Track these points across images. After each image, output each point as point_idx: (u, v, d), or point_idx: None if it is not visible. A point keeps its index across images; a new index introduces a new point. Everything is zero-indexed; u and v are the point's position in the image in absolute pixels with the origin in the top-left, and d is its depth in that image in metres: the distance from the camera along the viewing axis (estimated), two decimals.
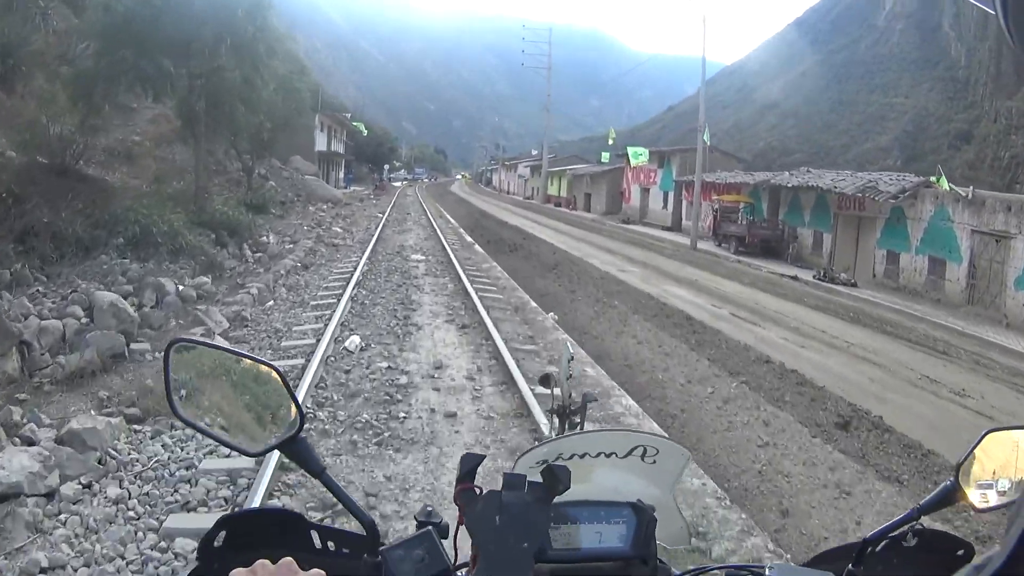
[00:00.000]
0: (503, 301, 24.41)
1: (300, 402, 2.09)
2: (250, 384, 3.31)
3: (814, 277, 40.05)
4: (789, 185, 50.96)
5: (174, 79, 32.06)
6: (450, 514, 1.97)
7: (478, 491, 1.97)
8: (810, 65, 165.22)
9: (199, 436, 9.01)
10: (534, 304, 24.37)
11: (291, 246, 35.14)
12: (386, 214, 62.03)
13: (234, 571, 1.58)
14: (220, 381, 2.58)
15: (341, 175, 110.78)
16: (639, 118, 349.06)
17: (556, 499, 2.01)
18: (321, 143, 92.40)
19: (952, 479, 2.23)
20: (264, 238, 34.62)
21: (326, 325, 18.35)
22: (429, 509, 2.04)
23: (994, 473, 2.28)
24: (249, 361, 2.35)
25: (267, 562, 1.62)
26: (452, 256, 33.80)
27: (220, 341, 16.16)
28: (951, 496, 2.24)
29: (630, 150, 76.42)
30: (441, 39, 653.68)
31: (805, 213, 50.06)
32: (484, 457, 2.07)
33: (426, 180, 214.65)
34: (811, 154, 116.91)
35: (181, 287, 21.80)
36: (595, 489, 2.24)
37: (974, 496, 2.24)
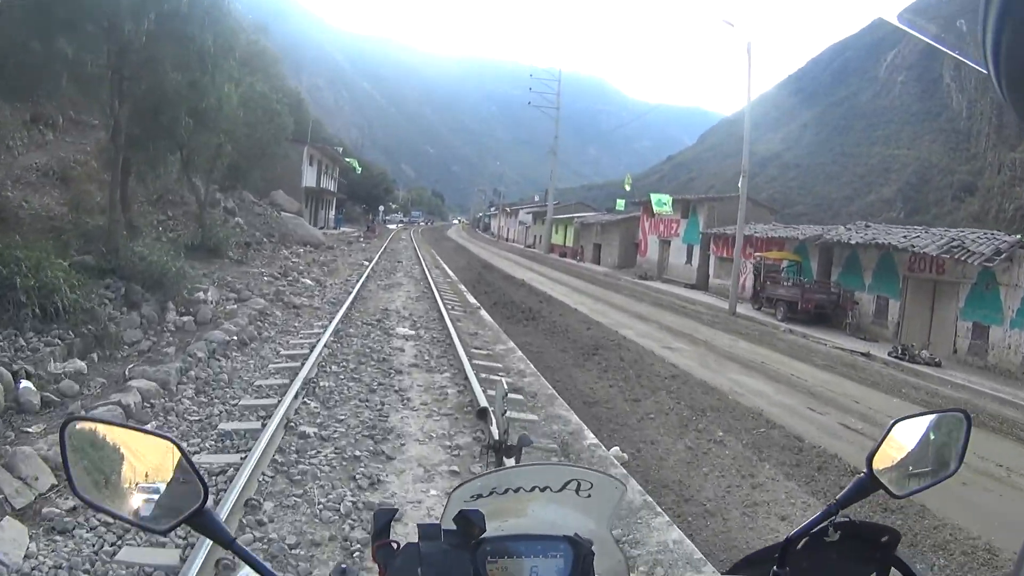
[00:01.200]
0: (540, 426, 14.67)
1: (201, 475, 2.03)
2: (150, 459, 2.09)
3: (890, 355, 33.14)
4: (850, 241, 42.56)
5: (89, 74, 23.70)
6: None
7: (395, 546, 1.97)
8: (811, 117, 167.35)
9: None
10: (589, 435, 14.46)
11: (235, 306, 26.02)
12: (373, 262, 53.39)
13: None
14: (120, 458, 2.08)
15: (331, 215, 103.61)
16: (637, 168, 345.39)
17: (492, 533, 2.04)
18: (310, 178, 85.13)
19: (866, 471, 2.28)
20: (202, 294, 25.52)
21: (217, 502, 9.48)
22: (343, 567, 2.07)
23: (907, 460, 2.39)
24: (148, 435, 2.11)
25: None
26: (452, 329, 24.66)
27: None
28: (867, 487, 2.29)
29: (653, 197, 68.34)
30: (443, 84, 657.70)
31: (865, 275, 42.59)
32: (396, 510, 2.20)
33: (422, 223, 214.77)
34: (814, 205, 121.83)
35: (39, 374, 14.56)
36: (532, 523, 2.21)
37: (891, 484, 2.30)
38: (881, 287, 41.35)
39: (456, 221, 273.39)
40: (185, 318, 22.56)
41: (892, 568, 2.41)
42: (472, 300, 36.64)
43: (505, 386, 6.90)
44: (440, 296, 34.50)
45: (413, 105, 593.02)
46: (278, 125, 47.79)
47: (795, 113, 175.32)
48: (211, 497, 3.78)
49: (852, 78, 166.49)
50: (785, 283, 46.27)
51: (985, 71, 1.05)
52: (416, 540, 1.97)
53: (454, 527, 1.97)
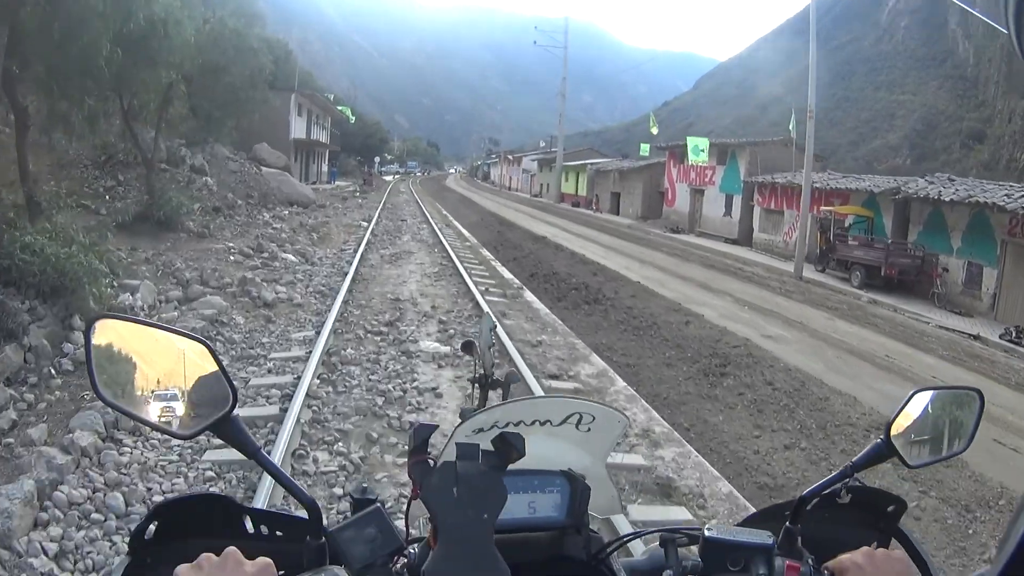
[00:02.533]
0: None
1: (230, 379, 1.92)
2: (180, 361, 2.00)
3: (1002, 337, 27.63)
4: (939, 197, 35.85)
5: None
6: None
7: (432, 463, 1.94)
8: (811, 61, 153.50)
9: None
10: None
11: (176, 312, 17.52)
12: (373, 222, 45.39)
13: (179, 568, 1.57)
14: (147, 358, 2.00)
15: (324, 168, 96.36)
16: (633, 114, 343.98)
17: None
18: (299, 130, 76.76)
19: (883, 438, 2.26)
20: (129, 295, 17.24)
21: None
22: (364, 486, 2.02)
23: (923, 431, 2.36)
24: (178, 336, 1.99)
25: (211, 555, 1.60)
26: (507, 342, 16.43)
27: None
28: (883, 454, 2.26)
29: (690, 142, 59.44)
30: (435, 34, 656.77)
31: (952, 236, 36.28)
32: (437, 427, 2.07)
33: (419, 174, 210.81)
34: (818, 151, 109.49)
35: None
36: (528, 458, 2.07)
37: (905, 453, 2.28)
38: (973, 252, 35.06)
39: (453, 170, 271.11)
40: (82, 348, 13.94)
41: (893, 538, 2.37)
42: (505, 273, 29.17)
43: (492, 319, 3.62)
44: (465, 269, 27.07)
45: (406, 56, 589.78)
46: (254, 66, 40.04)
47: (796, 57, 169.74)
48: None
49: (854, 23, 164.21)
50: (851, 242, 40.11)
51: (1004, 29, 0.97)
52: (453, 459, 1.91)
53: (492, 448, 1.93)
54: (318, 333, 15.72)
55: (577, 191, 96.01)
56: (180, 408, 1.87)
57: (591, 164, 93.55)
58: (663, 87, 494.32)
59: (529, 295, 23.98)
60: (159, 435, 10.78)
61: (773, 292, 33.98)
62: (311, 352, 14.13)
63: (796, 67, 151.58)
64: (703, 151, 57.64)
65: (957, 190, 35.84)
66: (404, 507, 2.25)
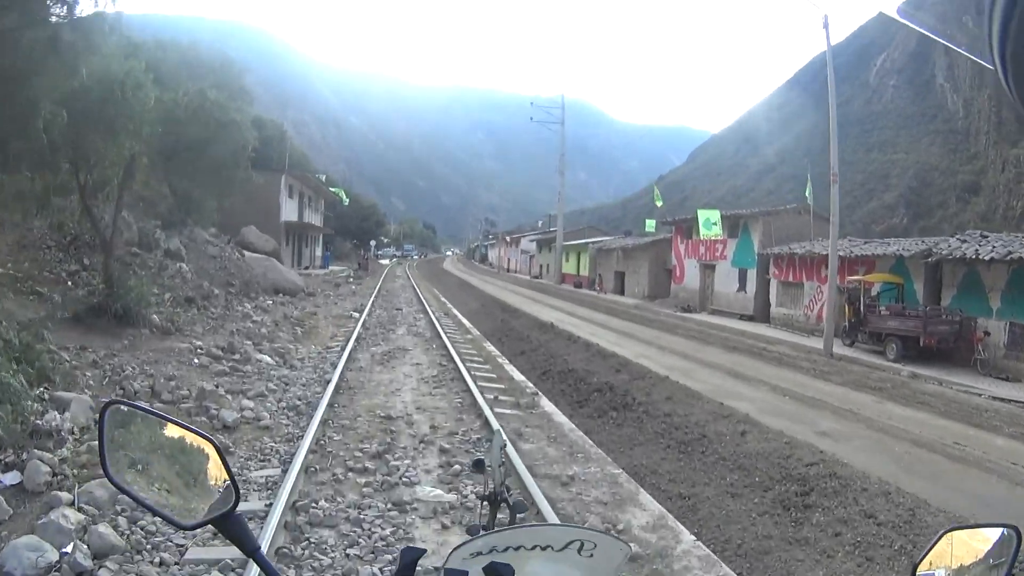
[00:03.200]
0: None
1: (235, 480, 2.04)
2: (187, 455, 2.21)
3: None
4: (978, 256, 33.04)
5: None
6: None
7: None
8: (804, 127, 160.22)
9: None
10: None
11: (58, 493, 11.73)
12: (365, 312, 41.65)
13: None
14: (155, 448, 2.19)
15: (318, 251, 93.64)
16: (627, 190, 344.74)
17: None
18: (290, 212, 73.99)
19: None
20: (56, 415, 13.26)
21: None
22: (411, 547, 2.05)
23: (955, 572, 2.25)
24: (186, 431, 2.17)
25: None
26: (534, 487, 12.11)
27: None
28: None
29: (700, 215, 56.20)
30: (429, 115, 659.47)
31: (991, 297, 33.78)
32: (424, 551, 2.11)
33: (416, 257, 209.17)
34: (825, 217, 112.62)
35: None
36: None
37: None
38: (1015, 311, 32.64)
39: (450, 253, 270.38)
40: (6, 477, 11.06)
41: None
42: (514, 373, 25.24)
43: (504, 436, 5.04)
44: (468, 370, 23.33)
45: (401, 137, 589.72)
46: (238, 142, 36.85)
47: (788, 125, 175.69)
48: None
49: (842, 85, 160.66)
50: (883, 312, 37.27)
51: (991, 67, 1.02)
52: None
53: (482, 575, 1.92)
54: (285, 471, 12.07)
55: (579, 271, 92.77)
56: (185, 500, 1.94)
57: (592, 243, 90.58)
58: (657, 161, 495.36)
59: (546, 403, 20.10)
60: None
61: (808, 375, 30.80)
62: (271, 505, 10.37)
63: (789, 134, 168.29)
64: (715, 224, 54.40)
65: (995, 247, 33.28)
66: None
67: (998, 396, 27.01)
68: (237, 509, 1.94)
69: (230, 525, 1.93)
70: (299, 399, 18.28)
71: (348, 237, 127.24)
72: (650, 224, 77.94)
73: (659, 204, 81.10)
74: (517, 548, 2.16)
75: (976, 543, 2.26)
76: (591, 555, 2.22)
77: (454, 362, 24.85)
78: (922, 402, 25.58)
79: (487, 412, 17.16)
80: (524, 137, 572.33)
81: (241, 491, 2.03)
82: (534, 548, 2.20)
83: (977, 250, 33.50)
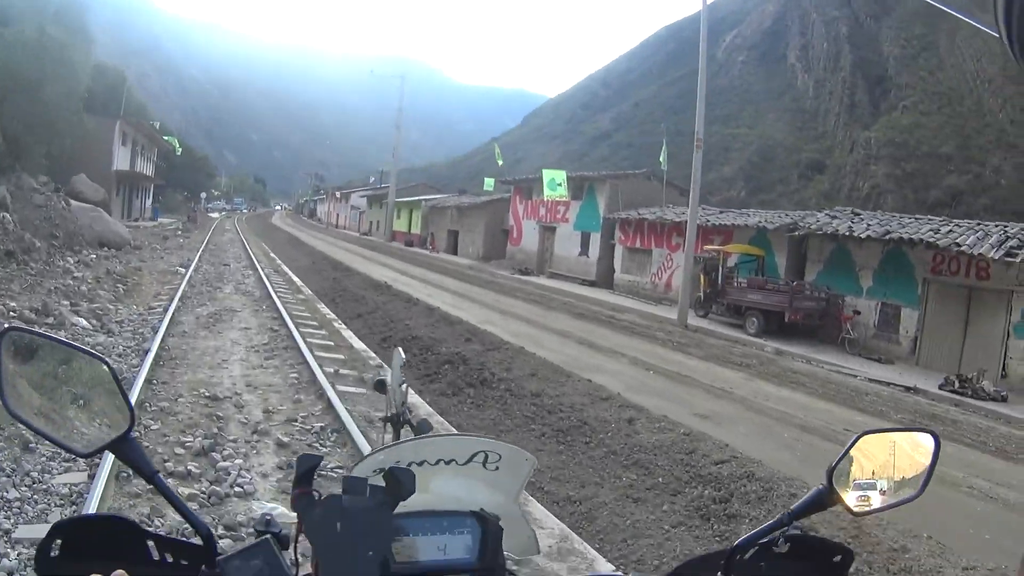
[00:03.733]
0: None
1: (130, 401, 1.97)
2: (84, 380, 2.16)
3: (942, 387, 25.35)
4: (851, 234, 32.94)
5: None
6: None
7: (317, 495, 1.89)
8: (643, 96, 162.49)
9: None
10: None
11: None
12: (192, 266, 38.88)
13: None
14: (52, 375, 2.28)
15: (148, 203, 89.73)
16: (460, 150, 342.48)
17: (396, 510, 1.96)
18: (123, 160, 70.60)
19: (824, 484, 2.15)
20: None
21: None
22: (267, 518, 1.96)
23: (872, 475, 2.26)
24: (82, 354, 2.07)
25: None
26: None
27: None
28: (824, 500, 2.16)
29: (546, 175, 54.22)
30: (267, 69, 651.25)
31: (862, 275, 33.65)
32: (322, 459, 2.03)
33: (245, 211, 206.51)
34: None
35: None
36: (435, 499, 2.19)
37: (850, 499, 2.18)
38: (887, 292, 32.36)
39: (279, 207, 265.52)
40: None
41: None
42: (354, 341, 22.95)
43: (402, 355, 4.71)
44: (303, 339, 20.80)
45: (238, 90, 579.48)
46: (72, 85, 33.99)
47: (627, 93, 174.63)
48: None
49: (689, 58, 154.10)
50: (743, 284, 36.53)
51: (996, 33, 1.00)
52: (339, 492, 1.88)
53: (382, 483, 1.86)
54: (92, 479, 9.47)
55: (410, 229, 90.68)
56: (82, 425, 1.97)
57: (426, 200, 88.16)
58: (492, 124, 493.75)
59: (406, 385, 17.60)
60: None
61: (666, 347, 29.40)
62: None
63: (626, 103, 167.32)
64: (560, 185, 52.57)
65: (869, 225, 33.46)
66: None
67: (873, 378, 26.45)
68: (132, 433, 1.87)
69: (127, 449, 1.87)
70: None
71: (179, 189, 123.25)
72: (489, 183, 74.77)
73: (500, 163, 78.57)
74: (421, 463, 2.12)
75: (892, 447, 2.26)
76: (496, 468, 2.22)
77: (287, 327, 22.49)
78: (795, 382, 24.69)
79: (329, 392, 14.65)
80: (360, 95, 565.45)
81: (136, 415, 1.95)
82: (438, 462, 2.18)
83: (851, 227, 33.21)
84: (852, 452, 2.18)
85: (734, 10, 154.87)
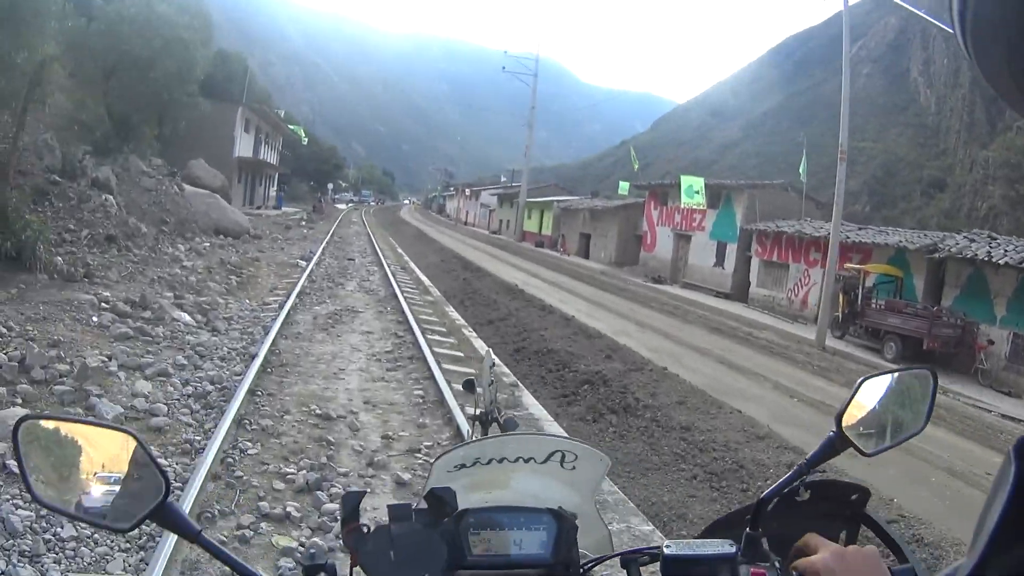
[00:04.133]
0: None
1: (161, 467, 1.93)
2: (108, 454, 2.03)
3: None
4: (989, 259, 30.34)
5: None
6: None
7: (366, 529, 1.93)
8: (772, 106, 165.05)
9: None
10: None
11: None
12: (314, 261, 36.69)
13: None
14: (77, 455, 2.02)
15: (272, 192, 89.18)
16: (588, 152, 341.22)
17: (476, 504, 2.12)
18: (245, 147, 69.59)
19: (835, 430, 2.24)
20: None
21: None
22: (313, 552, 2.00)
23: (876, 418, 2.34)
24: (104, 429, 2.04)
25: None
26: None
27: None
28: (837, 446, 2.24)
29: (683, 181, 51.98)
30: (393, 61, 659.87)
31: (996, 303, 31.04)
32: (365, 492, 2.09)
33: (373, 203, 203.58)
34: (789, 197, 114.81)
35: None
36: (515, 495, 2.24)
37: (861, 442, 2.26)
38: (1021, 321, 29.80)
39: (407, 201, 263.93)
40: None
41: (862, 525, 2.39)
42: (489, 353, 20.30)
43: (493, 356, 4.67)
44: (429, 348, 18.77)
45: (365, 82, 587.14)
46: (184, 62, 32.86)
47: (756, 101, 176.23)
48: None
49: (815, 68, 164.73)
50: (881, 306, 33.98)
51: (950, 29, 0.98)
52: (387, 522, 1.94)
53: (425, 506, 1.93)
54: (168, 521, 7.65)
55: (541, 230, 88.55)
56: (115, 501, 1.85)
57: (558, 202, 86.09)
58: (620, 126, 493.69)
59: (529, 399, 15.88)
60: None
61: (805, 370, 27.74)
62: None
63: (755, 111, 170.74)
64: (698, 192, 50.25)
65: (1007, 251, 30.37)
66: None
67: (1008, 414, 24.60)
68: (168, 498, 1.82)
69: (166, 515, 1.83)
70: (212, 381, 13.70)
71: (305, 179, 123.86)
72: (624, 187, 73.17)
73: (636, 167, 76.78)
74: (500, 460, 2.18)
75: (893, 388, 2.33)
76: (573, 467, 2.27)
77: (412, 333, 20.48)
78: (937, 416, 21.26)
79: (458, 416, 12.74)
80: (487, 90, 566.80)
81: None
82: (517, 460, 2.23)
83: (989, 252, 30.69)
84: (857, 397, 2.24)
85: (858, 22, 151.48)
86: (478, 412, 4.08)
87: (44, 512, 7.56)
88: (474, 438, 4.08)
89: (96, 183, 29.28)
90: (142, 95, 32.39)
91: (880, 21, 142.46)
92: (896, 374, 2.37)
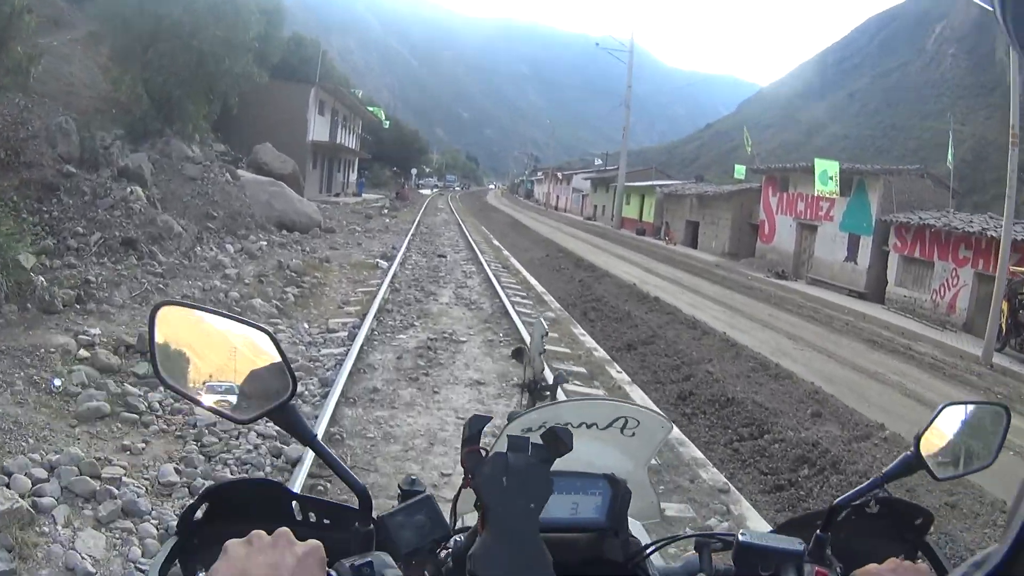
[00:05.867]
0: None
1: (292, 368, 1.98)
2: (243, 349, 2.09)
3: None
4: None
5: None
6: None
7: (484, 453, 1.97)
8: (857, 88, 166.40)
9: None
10: None
11: None
12: (397, 260, 30.20)
13: (229, 541, 1.59)
14: (208, 345, 2.08)
15: (352, 177, 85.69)
16: (671, 135, 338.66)
17: None
18: (321, 131, 64.63)
19: (913, 450, 2.27)
20: None
21: None
22: (413, 478, 2.11)
23: (952, 444, 2.37)
24: (240, 324, 2.07)
25: (262, 532, 1.60)
26: None
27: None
28: (912, 466, 2.27)
29: (818, 165, 45.49)
30: (474, 45, 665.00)
31: None
32: (491, 418, 2.11)
33: (458, 188, 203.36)
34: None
35: None
36: (571, 460, 2.13)
37: (934, 466, 2.29)
38: None
39: (492, 186, 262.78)
40: None
41: (919, 551, 2.40)
42: (638, 395, 15.01)
43: (544, 325, 4.80)
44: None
45: (446, 67, 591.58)
46: (236, 25, 27.74)
47: (840, 83, 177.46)
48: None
49: (900, 49, 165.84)
50: None
51: (990, 7, 0.98)
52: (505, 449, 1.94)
53: (541, 442, 1.94)
54: None
55: (641, 216, 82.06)
56: (239, 393, 1.91)
57: (660, 186, 79.34)
58: (703, 110, 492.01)
59: (744, 505, 10.09)
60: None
61: (984, 394, 22.20)
62: None
63: (841, 93, 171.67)
64: (832, 178, 44.07)
65: None
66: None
67: None
68: (293, 399, 1.90)
69: (286, 415, 1.90)
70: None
71: (388, 164, 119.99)
72: (740, 170, 66.74)
73: (749, 149, 69.59)
74: (564, 424, 2.10)
75: (971, 418, 2.38)
76: (632, 434, 2.31)
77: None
78: None
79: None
80: (568, 74, 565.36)
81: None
82: (580, 425, 2.25)
83: None
84: (936, 421, 2.29)
85: (940, 1, 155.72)
86: (527, 380, 4.23)
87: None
88: (523, 405, 4.02)
89: (125, 173, 24.18)
90: (185, 67, 27.89)
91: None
92: (973, 406, 2.39)
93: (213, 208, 27.96)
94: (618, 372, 16.35)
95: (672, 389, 16.63)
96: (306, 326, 17.48)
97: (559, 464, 2.01)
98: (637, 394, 14.53)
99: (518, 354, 4.57)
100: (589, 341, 19.51)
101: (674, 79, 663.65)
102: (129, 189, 22.59)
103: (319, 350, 15.33)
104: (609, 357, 17.82)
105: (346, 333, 16.77)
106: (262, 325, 1.98)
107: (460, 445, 1.99)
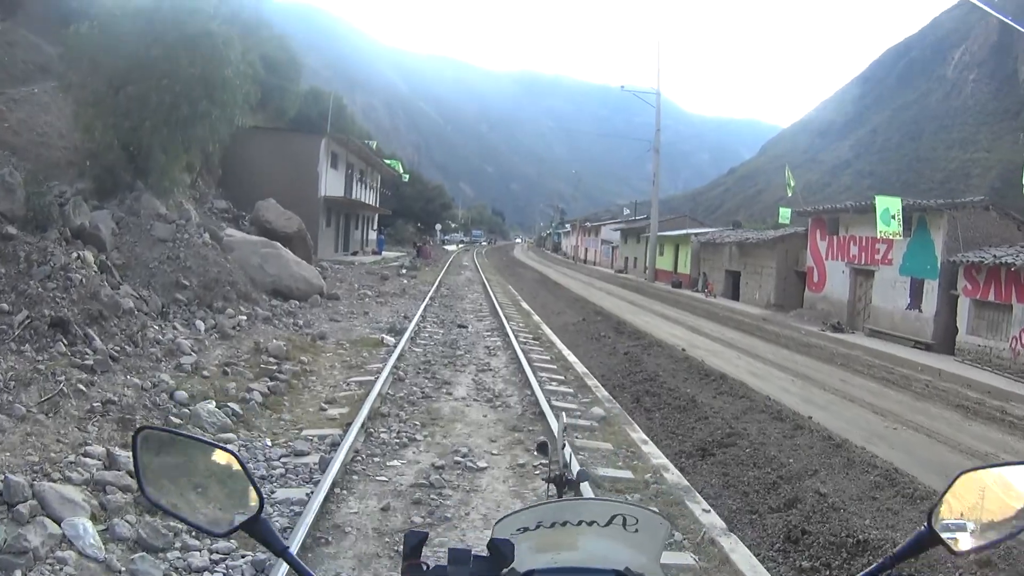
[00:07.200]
0: None
1: (257, 485, 2.14)
2: (212, 468, 2.38)
3: None
4: None
5: None
6: None
7: (425, 567, 1.99)
8: (879, 122, 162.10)
9: None
10: None
11: None
12: (406, 337, 24.68)
13: None
14: (184, 466, 2.34)
15: (372, 235, 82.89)
16: (697, 182, 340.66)
17: (545, 565, 2.16)
18: (334, 186, 60.43)
19: (925, 526, 2.16)
20: None
21: None
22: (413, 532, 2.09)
23: (970, 515, 2.25)
24: (210, 446, 2.31)
25: None
26: None
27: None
28: (926, 542, 2.16)
29: (879, 204, 40.41)
30: (498, 100, 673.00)
31: None
32: (427, 534, 2.11)
33: (484, 244, 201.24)
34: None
35: None
36: (583, 556, 2.24)
37: (951, 540, 2.17)
38: None
39: (519, 240, 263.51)
40: None
41: None
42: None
43: (564, 419, 5.65)
44: None
45: (470, 123, 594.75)
46: (213, 60, 25.72)
47: (863, 118, 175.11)
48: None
49: (919, 79, 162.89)
50: None
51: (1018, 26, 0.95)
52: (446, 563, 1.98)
53: (486, 554, 1.96)
54: None
55: (676, 268, 77.54)
56: (214, 509, 2.05)
57: (695, 235, 74.66)
58: (727, 154, 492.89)
59: None
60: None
61: None
62: None
63: (863, 129, 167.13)
64: (895, 217, 39.10)
65: None
66: None
67: None
68: (262, 513, 2.02)
69: (259, 528, 2.01)
70: None
71: (411, 220, 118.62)
72: (784, 214, 62.32)
73: (790, 192, 63.89)
74: (564, 524, 2.19)
75: (994, 484, 2.25)
76: (636, 529, 2.25)
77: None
78: None
79: None
80: (591, 126, 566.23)
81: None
82: (580, 524, 2.23)
83: None
84: (952, 492, 2.19)
85: (957, 26, 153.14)
86: (553, 475, 4.19)
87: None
88: (549, 498, 4.13)
89: (81, 234, 20.52)
90: (157, 111, 23.97)
91: (980, 22, 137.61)
92: (999, 468, 2.27)
93: (185, 276, 23.40)
94: (705, 511, 10.96)
95: (774, 524, 11.91)
96: (268, 443, 12.66)
97: (572, 560, 2.12)
98: (743, 560, 9.52)
99: (542, 448, 4.35)
100: (648, 446, 14.39)
101: (696, 125, 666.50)
102: (76, 255, 18.59)
103: (273, 490, 10.46)
104: (687, 482, 12.37)
105: (318, 458, 11.73)
106: (228, 447, 2.16)
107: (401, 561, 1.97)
